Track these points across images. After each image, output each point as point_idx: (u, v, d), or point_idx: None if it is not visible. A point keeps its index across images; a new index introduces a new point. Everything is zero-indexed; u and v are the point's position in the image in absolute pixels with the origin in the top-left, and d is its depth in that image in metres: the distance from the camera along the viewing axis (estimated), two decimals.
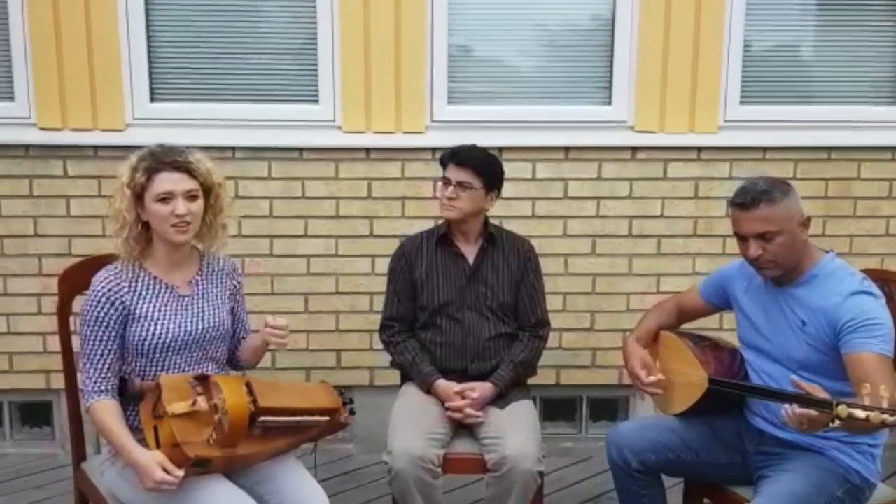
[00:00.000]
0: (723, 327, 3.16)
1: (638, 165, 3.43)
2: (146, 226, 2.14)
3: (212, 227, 2.22)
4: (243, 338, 2.40)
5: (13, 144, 3.30)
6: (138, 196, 2.10)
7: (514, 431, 2.47)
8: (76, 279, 2.35)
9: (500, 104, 3.46)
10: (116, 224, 2.11)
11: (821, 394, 1.92)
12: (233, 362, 2.42)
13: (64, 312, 2.40)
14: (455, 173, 2.62)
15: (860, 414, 1.80)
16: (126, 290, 2.12)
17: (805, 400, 1.92)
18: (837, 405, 1.83)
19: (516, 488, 2.40)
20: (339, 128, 3.38)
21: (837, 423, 1.85)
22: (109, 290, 2.10)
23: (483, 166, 2.64)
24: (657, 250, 3.48)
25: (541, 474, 2.44)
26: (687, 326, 2.63)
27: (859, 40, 3.50)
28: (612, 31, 3.39)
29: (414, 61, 3.34)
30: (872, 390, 1.83)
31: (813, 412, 1.88)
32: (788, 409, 1.93)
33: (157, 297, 2.16)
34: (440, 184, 2.67)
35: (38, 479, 3.32)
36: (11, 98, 3.32)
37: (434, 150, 3.29)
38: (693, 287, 2.62)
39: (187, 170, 2.11)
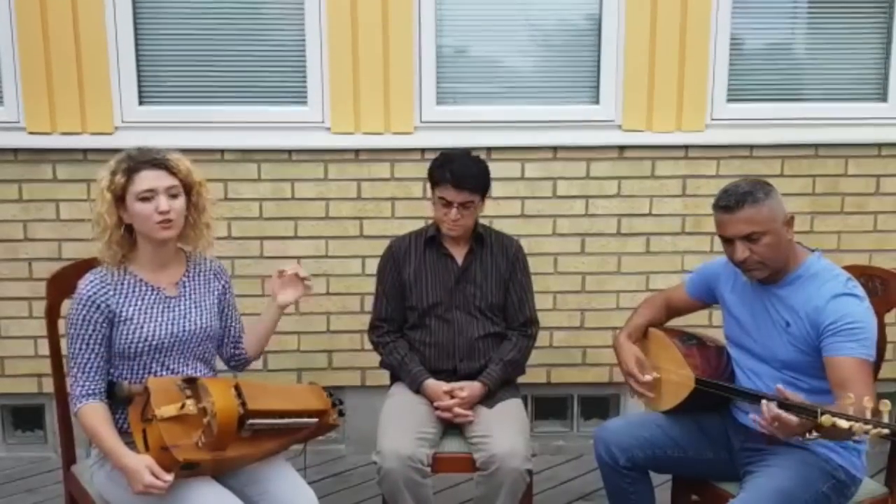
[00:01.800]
0: (712, 324, 3.18)
1: (626, 164, 3.44)
2: (129, 229, 2.14)
3: (196, 226, 2.22)
4: (239, 338, 2.41)
5: (2, 149, 3.30)
6: (119, 199, 2.10)
7: (503, 430, 2.49)
8: (64, 283, 2.34)
9: (488, 104, 3.46)
10: (98, 228, 2.12)
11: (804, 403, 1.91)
12: (235, 361, 2.43)
13: (52, 316, 2.40)
14: (455, 195, 2.58)
15: (844, 424, 1.79)
16: (111, 292, 2.13)
17: (790, 406, 1.91)
18: (822, 413, 1.83)
19: (505, 487, 2.42)
20: (328, 129, 3.39)
21: (815, 434, 1.85)
22: (94, 293, 2.11)
23: (479, 181, 2.62)
24: (646, 248, 3.50)
25: (529, 473, 2.45)
26: (676, 322, 2.64)
27: (845, 37, 3.51)
28: (599, 30, 3.40)
29: (402, 62, 3.35)
30: (856, 400, 1.81)
31: (792, 418, 1.88)
32: (765, 410, 1.93)
33: (142, 298, 2.16)
34: (439, 204, 2.62)
35: (30, 483, 3.32)
36: (0, 103, 3.32)
37: (423, 150, 3.31)
38: (680, 283, 2.63)
39: (166, 167, 2.12)
